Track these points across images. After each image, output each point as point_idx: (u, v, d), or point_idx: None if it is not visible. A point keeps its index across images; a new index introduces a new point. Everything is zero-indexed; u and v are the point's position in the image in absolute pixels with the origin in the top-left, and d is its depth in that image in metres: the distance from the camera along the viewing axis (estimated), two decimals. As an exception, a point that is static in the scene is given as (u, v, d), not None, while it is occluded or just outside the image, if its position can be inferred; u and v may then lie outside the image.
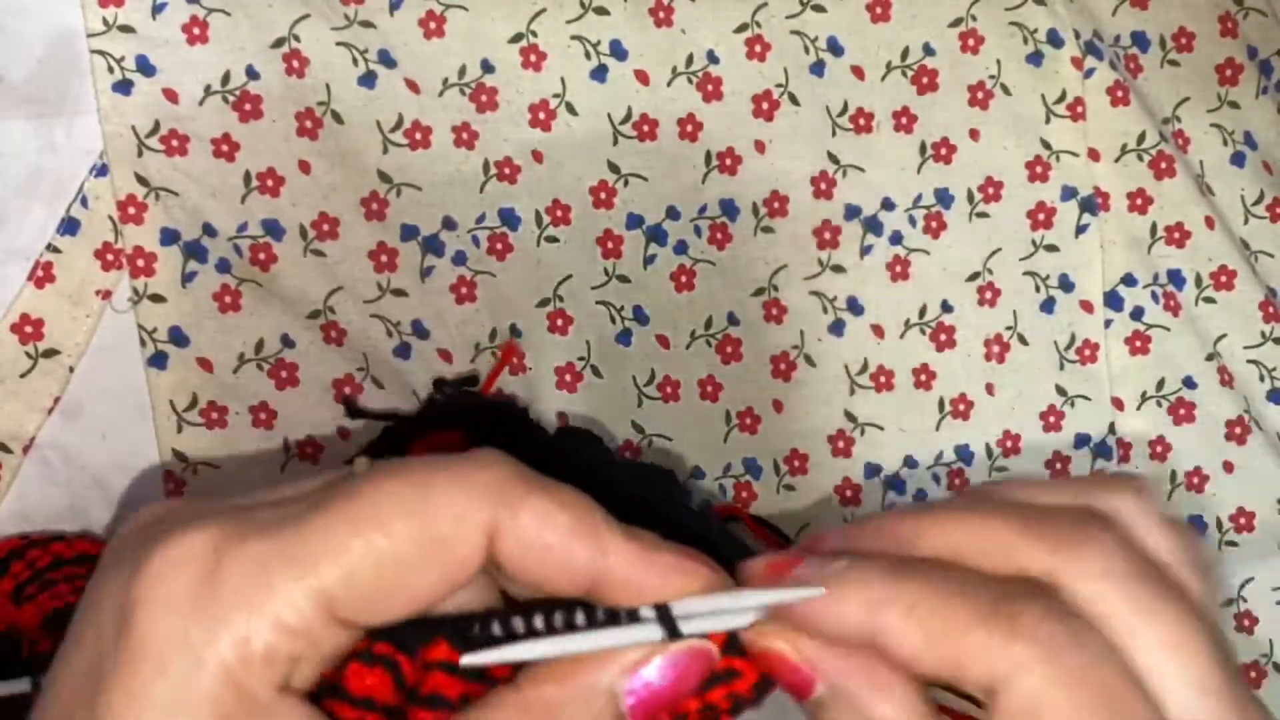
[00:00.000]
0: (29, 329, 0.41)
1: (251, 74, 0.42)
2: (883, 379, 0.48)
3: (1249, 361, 0.50)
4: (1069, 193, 0.49)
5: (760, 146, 0.47)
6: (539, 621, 0.22)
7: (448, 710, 0.22)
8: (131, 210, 0.41)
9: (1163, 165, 0.50)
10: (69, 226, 0.41)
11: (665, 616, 0.23)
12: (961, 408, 0.49)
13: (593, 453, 0.42)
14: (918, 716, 0.23)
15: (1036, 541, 0.23)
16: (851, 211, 0.48)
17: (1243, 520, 0.51)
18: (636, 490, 0.40)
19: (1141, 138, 0.50)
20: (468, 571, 0.22)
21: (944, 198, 0.49)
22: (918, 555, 0.23)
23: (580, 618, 0.23)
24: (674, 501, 0.41)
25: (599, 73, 0.45)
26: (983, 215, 0.49)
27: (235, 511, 0.22)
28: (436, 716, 0.22)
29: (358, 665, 0.22)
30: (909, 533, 0.24)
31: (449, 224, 0.44)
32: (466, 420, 0.42)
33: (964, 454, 0.49)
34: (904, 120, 0.48)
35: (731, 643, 0.24)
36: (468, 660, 0.22)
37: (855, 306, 0.48)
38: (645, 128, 0.46)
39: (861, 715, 0.23)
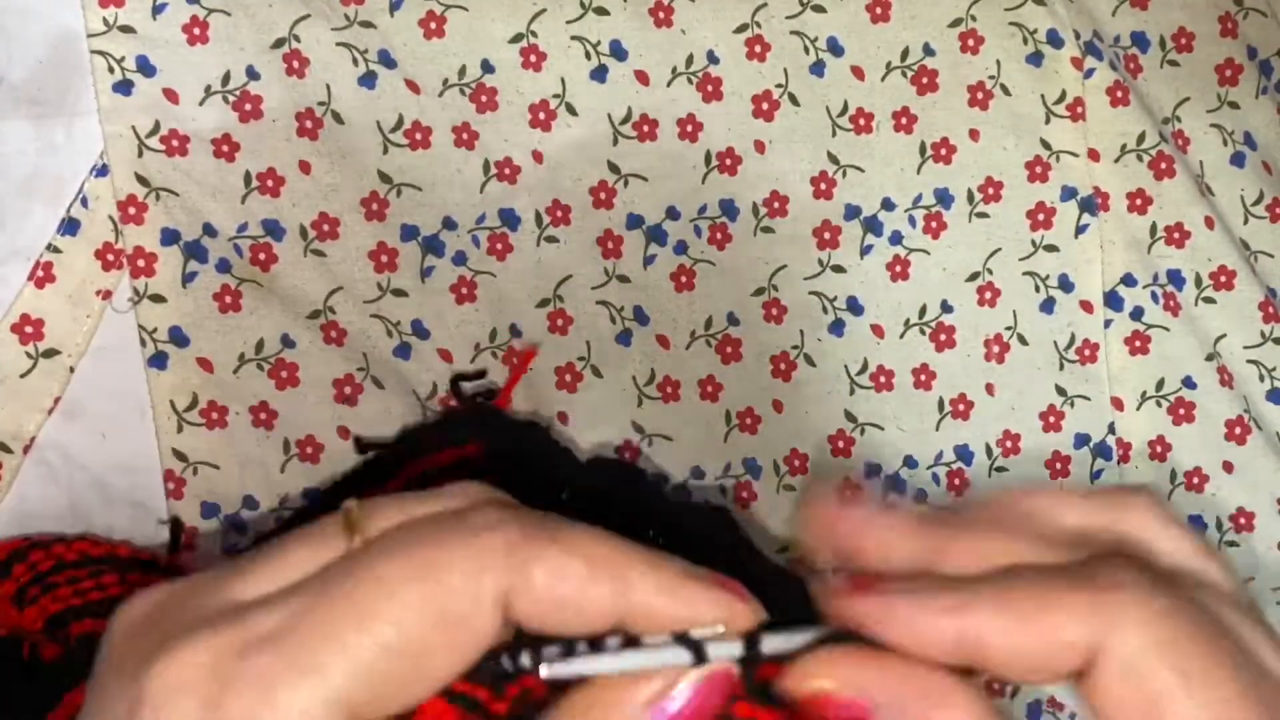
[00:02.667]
0: (29, 329, 0.41)
1: (252, 74, 0.42)
2: (883, 379, 0.48)
3: (1249, 361, 0.50)
4: (1069, 193, 0.49)
5: (760, 146, 0.47)
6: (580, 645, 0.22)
7: None
8: (132, 210, 0.41)
9: (1162, 165, 0.50)
10: (69, 226, 0.41)
11: (687, 641, 0.22)
12: (961, 407, 0.49)
13: (628, 487, 0.41)
14: (986, 716, 0.22)
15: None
16: (851, 211, 0.48)
17: (1242, 520, 0.51)
18: (685, 526, 0.40)
19: (1141, 138, 0.50)
20: (485, 643, 0.21)
21: (944, 198, 0.49)
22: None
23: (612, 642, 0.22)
24: (732, 543, 0.41)
25: (599, 73, 0.45)
26: (983, 215, 0.49)
27: (231, 618, 0.21)
28: None
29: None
30: (966, 604, 0.22)
31: (449, 224, 0.44)
32: (487, 434, 0.41)
33: (964, 454, 0.49)
34: (904, 120, 0.48)
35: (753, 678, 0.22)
36: (546, 672, 0.21)
37: (855, 306, 0.48)
38: (645, 128, 0.46)
39: None
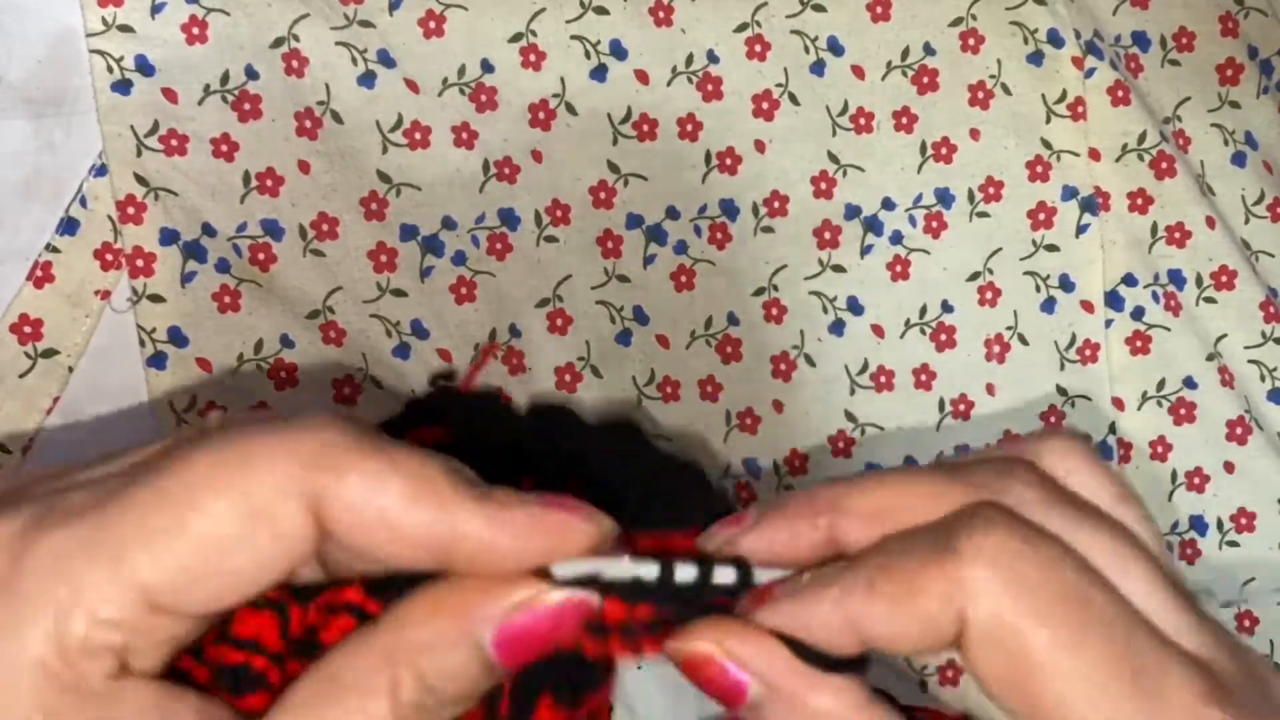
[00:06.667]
0: (28, 329, 0.41)
1: (251, 74, 0.42)
2: (883, 379, 0.48)
3: (1250, 361, 0.50)
4: (1069, 192, 0.49)
5: (760, 146, 0.47)
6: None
7: None
8: (131, 210, 0.41)
9: (1163, 165, 0.50)
10: (68, 226, 0.41)
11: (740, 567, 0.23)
12: (962, 408, 0.49)
13: (564, 428, 0.42)
14: (858, 702, 0.22)
15: (959, 486, 0.22)
16: (851, 211, 0.48)
17: (1243, 521, 0.51)
18: (607, 452, 0.40)
19: (1142, 137, 0.50)
20: (297, 549, 0.20)
21: (944, 197, 0.48)
22: (849, 518, 0.23)
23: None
24: (641, 455, 0.41)
25: (599, 72, 0.45)
26: (983, 215, 0.49)
27: (50, 494, 0.21)
28: None
29: (245, 609, 0.22)
30: (839, 498, 0.23)
31: (449, 224, 0.44)
32: (449, 416, 0.41)
33: (964, 454, 0.49)
34: (904, 120, 0.48)
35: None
36: (561, 571, 0.21)
37: (855, 306, 0.48)
38: (645, 128, 0.46)
39: (800, 712, 0.22)
